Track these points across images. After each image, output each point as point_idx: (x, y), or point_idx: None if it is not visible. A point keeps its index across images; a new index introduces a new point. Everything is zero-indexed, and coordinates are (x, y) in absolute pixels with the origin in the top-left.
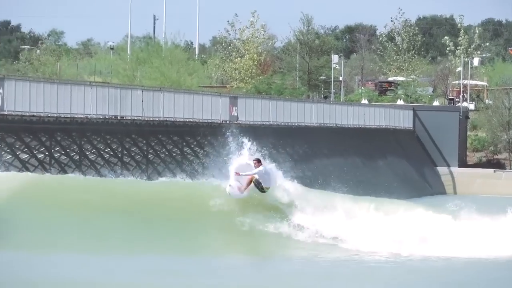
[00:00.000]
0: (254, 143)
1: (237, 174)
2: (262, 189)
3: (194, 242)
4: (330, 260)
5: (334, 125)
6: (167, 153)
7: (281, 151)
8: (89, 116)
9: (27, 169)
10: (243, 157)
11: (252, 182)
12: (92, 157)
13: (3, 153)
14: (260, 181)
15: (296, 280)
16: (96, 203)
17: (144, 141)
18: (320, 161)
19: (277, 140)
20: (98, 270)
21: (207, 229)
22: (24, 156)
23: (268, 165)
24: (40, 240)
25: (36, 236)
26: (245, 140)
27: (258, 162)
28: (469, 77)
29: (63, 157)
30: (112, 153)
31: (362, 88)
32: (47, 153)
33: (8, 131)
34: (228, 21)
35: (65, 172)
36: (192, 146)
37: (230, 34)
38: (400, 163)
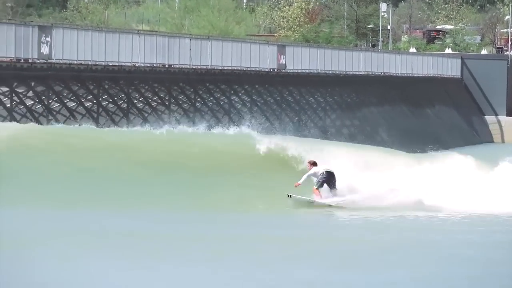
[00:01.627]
0: None
1: (298, 185)
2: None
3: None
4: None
5: (382, 74)
6: (214, 102)
7: (329, 100)
8: (137, 65)
9: (74, 118)
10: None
11: (318, 191)
12: (139, 105)
13: (50, 101)
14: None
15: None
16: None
17: (192, 90)
18: (368, 110)
19: (325, 88)
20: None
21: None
22: (71, 104)
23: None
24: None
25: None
26: None
27: (312, 164)
28: None
29: (110, 105)
30: (159, 102)
31: (407, 36)
32: (94, 101)
33: (56, 80)
34: None
35: (113, 121)
36: (240, 94)
37: None
38: (448, 112)
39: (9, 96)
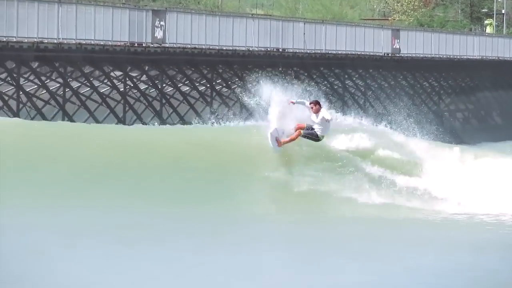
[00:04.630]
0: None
1: (291, 103)
2: (316, 138)
3: None
4: None
5: (496, 58)
6: (328, 86)
7: (443, 84)
8: (251, 49)
9: (188, 101)
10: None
11: (299, 133)
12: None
13: (164, 85)
14: (319, 128)
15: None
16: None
17: (306, 74)
18: (482, 94)
19: (439, 73)
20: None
21: None
22: (185, 88)
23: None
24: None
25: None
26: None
27: (317, 104)
28: None
29: (224, 89)
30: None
31: None
32: (208, 85)
33: (170, 64)
34: None
35: (226, 105)
36: (354, 78)
37: None
38: None
39: (123, 80)
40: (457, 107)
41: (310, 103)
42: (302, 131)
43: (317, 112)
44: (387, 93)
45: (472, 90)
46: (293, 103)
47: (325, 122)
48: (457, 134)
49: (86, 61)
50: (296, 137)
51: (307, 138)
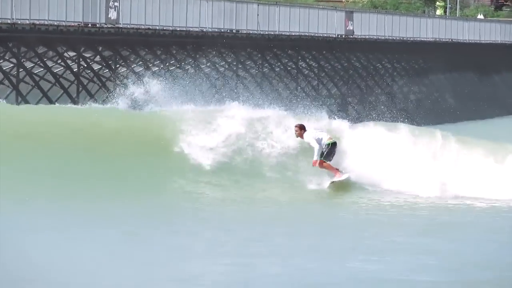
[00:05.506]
0: None
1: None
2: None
3: None
4: None
5: (450, 41)
6: (282, 67)
7: (396, 66)
8: (204, 30)
9: (142, 83)
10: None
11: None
12: (207, 70)
13: (118, 66)
14: (321, 137)
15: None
16: None
17: (259, 55)
18: (435, 76)
19: (392, 55)
20: None
21: None
22: (139, 69)
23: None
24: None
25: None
26: None
27: (301, 129)
28: None
29: (177, 70)
30: (227, 67)
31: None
32: (162, 66)
33: (124, 44)
34: None
35: (178, 84)
36: (308, 60)
37: None
38: None
39: (77, 60)
40: (410, 89)
41: (295, 126)
42: (320, 158)
43: (301, 136)
44: (340, 74)
45: (426, 72)
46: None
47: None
48: (410, 115)
49: (40, 42)
50: (327, 164)
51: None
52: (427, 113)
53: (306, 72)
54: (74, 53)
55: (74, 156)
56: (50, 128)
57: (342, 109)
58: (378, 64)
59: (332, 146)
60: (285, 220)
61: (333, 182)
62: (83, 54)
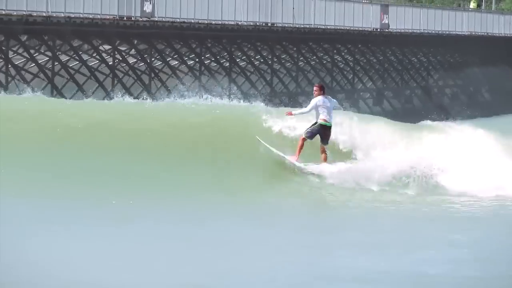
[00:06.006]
0: None
1: (289, 114)
2: (325, 131)
3: None
4: None
5: (485, 34)
6: (317, 61)
7: (432, 60)
8: (239, 23)
9: (176, 75)
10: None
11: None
12: (242, 64)
13: (153, 59)
14: (320, 112)
15: None
16: None
17: (295, 48)
18: (471, 70)
19: (428, 48)
20: None
21: None
22: (174, 62)
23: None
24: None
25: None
26: None
27: (320, 89)
28: None
29: (213, 64)
30: (262, 60)
31: None
32: (197, 59)
33: (159, 38)
34: None
35: (214, 78)
36: (343, 54)
37: None
38: None
39: (112, 54)
40: (445, 83)
41: (314, 87)
42: (303, 133)
43: (315, 95)
44: (375, 68)
45: (461, 65)
46: (292, 114)
47: (322, 105)
48: (445, 109)
49: (75, 35)
50: (302, 143)
51: (314, 136)
52: (463, 108)
53: (342, 65)
54: (109, 46)
55: (120, 153)
56: (80, 122)
57: (377, 103)
58: (413, 58)
59: (324, 128)
60: None
61: (284, 157)
62: (118, 47)
